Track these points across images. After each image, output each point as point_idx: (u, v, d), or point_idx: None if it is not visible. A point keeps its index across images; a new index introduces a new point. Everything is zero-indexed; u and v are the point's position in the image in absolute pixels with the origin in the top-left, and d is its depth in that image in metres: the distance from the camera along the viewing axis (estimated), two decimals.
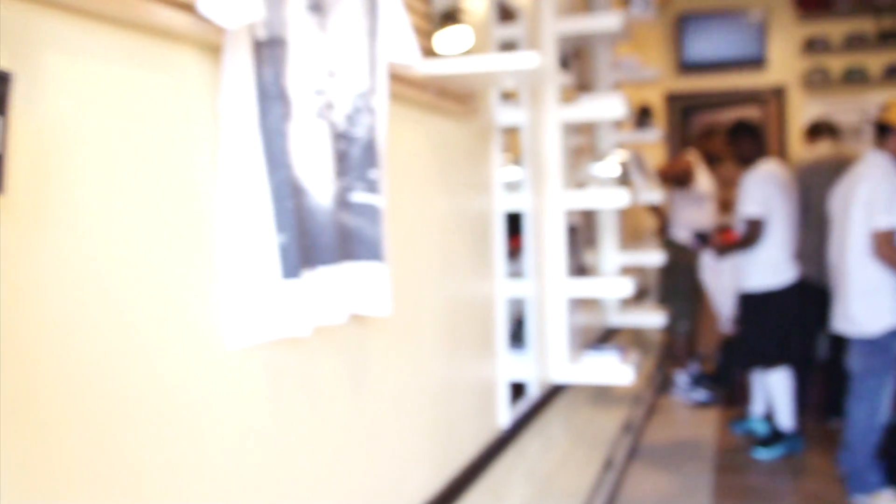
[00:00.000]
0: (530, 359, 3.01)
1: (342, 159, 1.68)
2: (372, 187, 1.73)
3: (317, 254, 1.59)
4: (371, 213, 1.73)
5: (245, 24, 1.39)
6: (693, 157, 5.66)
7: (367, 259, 1.73)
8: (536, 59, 2.10)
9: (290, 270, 1.48)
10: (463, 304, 2.52)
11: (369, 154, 1.72)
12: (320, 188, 1.59)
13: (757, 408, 4.91)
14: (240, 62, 1.42)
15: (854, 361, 3.79)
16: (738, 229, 4.54)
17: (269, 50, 1.45)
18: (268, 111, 1.45)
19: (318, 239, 1.59)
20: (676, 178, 5.59)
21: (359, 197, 1.71)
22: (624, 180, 3.48)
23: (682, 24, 7.24)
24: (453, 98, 2.40)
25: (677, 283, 5.74)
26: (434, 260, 2.30)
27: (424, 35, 2.25)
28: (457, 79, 2.30)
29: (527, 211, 2.99)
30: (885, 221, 3.53)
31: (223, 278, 1.42)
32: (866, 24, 6.99)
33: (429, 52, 2.25)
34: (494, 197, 2.80)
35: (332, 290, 1.63)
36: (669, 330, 5.84)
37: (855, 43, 6.95)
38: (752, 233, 4.40)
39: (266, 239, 1.46)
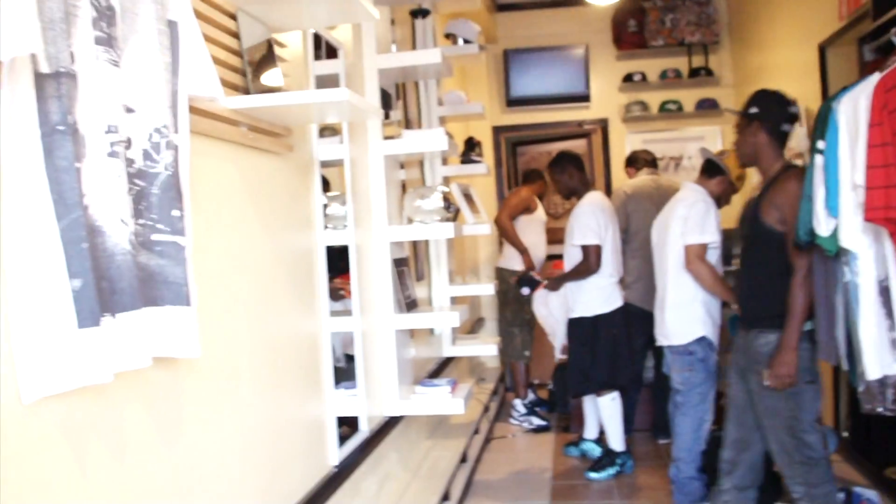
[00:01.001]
0: (360, 393, 2.98)
1: (142, 198, 1.62)
2: (175, 226, 1.67)
3: (117, 298, 1.51)
4: (175, 253, 1.67)
5: (23, 57, 1.32)
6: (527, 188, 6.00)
7: (172, 301, 1.67)
8: (346, 94, 2.10)
9: (86, 318, 1.40)
10: (285, 341, 2.47)
11: (171, 192, 1.66)
12: (119, 229, 1.52)
13: (589, 431, 5.05)
14: (21, 97, 1.34)
15: (675, 376, 3.99)
16: (572, 257, 4.67)
17: (54, 84, 1.38)
18: (55, 148, 1.38)
19: (117, 283, 1.52)
20: (524, 209, 5.95)
21: (161, 237, 1.65)
22: (452, 213, 3.53)
23: (508, 60, 7.46)
24: (268, 133, 2.37)
25: (517, 312, 5.87)
26: (252, 298, 2.25)
27: (235, 70, 2.21)
28: (270, 114, 2.27)
29: (351, 245, 2.98)
30: (696, 238, 3.81)
31: (15, 328, 1.34)
32: (679, 62, 7.43)
33: (239, 88, 2.22)
34: (316, 232, 2.78)
35: (134, 334, 1.56)
36: (512, 357, 5.98)
37: (670, 78, 7.37)
38: (593, 259, 4.57)
39: (58, 285, 1.38)
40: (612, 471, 4.70)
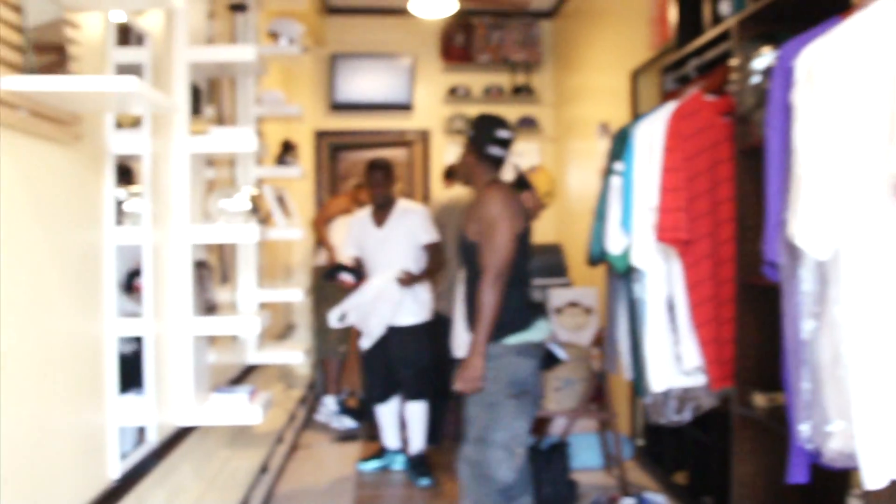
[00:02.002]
0: (149, 401, 2.81)
1: None
2: None
3: None
4: None
5: None
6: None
7: None
8: (135, 84, 1.98)
9: None
10: (60, 344, 2.29)
11: None
12: None
13: (391, 440, 5.07)
14: None
15: None
16: (403, 262, 4.76)
17: None
18: None
19: None
20: (343, 211, 6.19)
21: None
22: (260, 215, 3.42)
23: (335, 64, 7.38)
24: (52, 120, 2.19)
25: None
26: (20, 297, 2.06)
27: (15, 48, 2.03)
28: (55, 99, 2.11)
29: (146, 245, 2.81)
30: None
31: None
32: (503, 79, 7.60)
33: (19, 68, 2.04)
34: (104, 230, 2.60)
35: None
36: (327, 354, 6.08)
37: (493, 94, 7.52)
38: (444, 252, 4.86)
39: None
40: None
